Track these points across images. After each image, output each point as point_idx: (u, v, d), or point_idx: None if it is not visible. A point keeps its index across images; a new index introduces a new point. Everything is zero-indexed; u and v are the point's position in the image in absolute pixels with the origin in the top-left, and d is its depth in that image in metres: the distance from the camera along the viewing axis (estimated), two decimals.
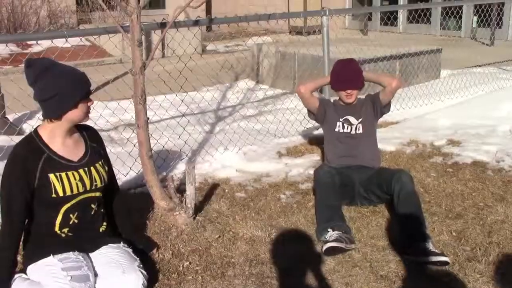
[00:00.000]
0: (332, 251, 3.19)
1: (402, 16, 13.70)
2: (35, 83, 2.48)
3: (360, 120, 4.06)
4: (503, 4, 11.33)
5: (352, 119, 4.06)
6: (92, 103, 2.60)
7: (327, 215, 3.47)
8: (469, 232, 3.45)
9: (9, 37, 3.61)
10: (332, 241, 3.21)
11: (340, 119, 4.08)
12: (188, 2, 3.46)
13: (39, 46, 9.18)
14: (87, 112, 2.59)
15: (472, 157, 4.76)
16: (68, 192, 2.54)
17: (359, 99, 4.15)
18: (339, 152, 4.06)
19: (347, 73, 4.01)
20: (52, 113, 2.50)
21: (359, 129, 4.05)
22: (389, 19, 11.38)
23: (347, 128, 4.06)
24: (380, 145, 5.10)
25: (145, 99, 3.34)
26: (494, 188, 4.15)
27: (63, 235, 2.61)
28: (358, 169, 3.91)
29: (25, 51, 9.47)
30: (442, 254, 3.09)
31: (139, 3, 3.26)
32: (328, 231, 3.32)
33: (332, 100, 4.37)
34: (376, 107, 4.12)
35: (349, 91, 3.99)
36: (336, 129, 4.09)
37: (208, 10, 15.34)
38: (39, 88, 2.47)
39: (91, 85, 2.58)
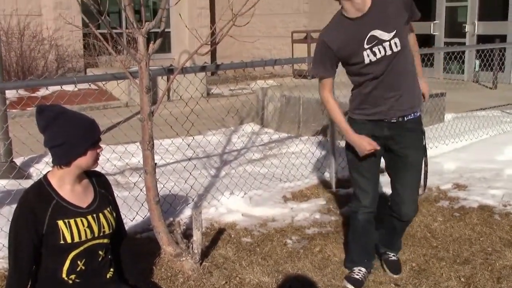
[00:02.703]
0: (355, 284, 3.41)
1: None
2: (45, 130, 2.51)
3: (393, 30, 3.01)
4: (504, 48, 11.46)
5: (378, 32, 3.02)
6: (102, 150, 2.63)
7: (362, 251, 3.54)
8: (477, 278, 3.42)
9: (19, 84, 3.68)
10: (359, 280, 3.43)
11: (364, 43, 3.02)
12: (196, 50, 3.53)
13: (47, 90, 9.30)
14: (96, 158, 2.62)
15: (479, 201, 4.76)
16: (77, 239, 2.54)
17: (373, 3, 3.05)
18: (369, 96, 3.18)
19: None
20: (61, 160, 2.53)
21: (397, 45, 3.03)
22: None
23: (380, 51, 3.03)
24: (385, 189, 5.12)
25: (153, 144, 3.38)
26: (502, 233, 4.14)
27: (70, 281, 2.59)
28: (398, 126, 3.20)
29: (33, 95, 9.58)
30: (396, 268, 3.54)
31: (148, 51, 3.33)
32: (361, 270, 3.49)
33: (335, 22, 3.22)
34: (408, 13, 3.10)
35: None
36: (366, 61, 3.06)
37: (213, 54, 15.54)
38: (49, 135, 2.50)
39: (100, 133, 2.61)
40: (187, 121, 5.30)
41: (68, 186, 2.59)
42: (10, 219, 2.53)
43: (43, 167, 5.36)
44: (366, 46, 3.01)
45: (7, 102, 5.71)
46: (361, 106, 3.25)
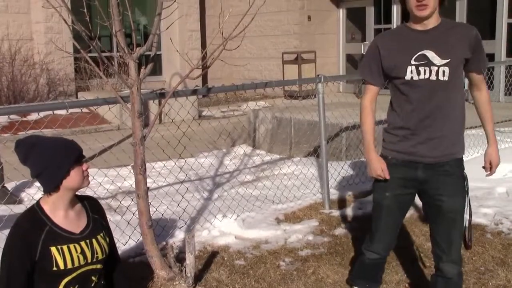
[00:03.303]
0: None
1: None
2: (26, 162, 2.54)
3: (448, 59, 2.78)
4: (493, 68, 11.60)
5: (431, 53, 2.79)
6: (87, 167, 2.64)
7: (370, 272, 3.29)
8: None
9: (11, 109, 3.69)
10: None
11: (412, 59, 2.81)
12: (187, 74, 3.56)
13: (39, 115, 9.31)
14: (84, 177, 2.62)
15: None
16: (69, 265, 2.55)
17: (446, 21, 2.87)
18: (405, 129, 2.91)
19: None
20: (49, 186, 2.55)
21: (444, 75, 2.80)
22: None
23: (426, 73, 2.80)
24: None
25: (145, 169, 3.39)
26: (495, 252, 4.16)
27: None
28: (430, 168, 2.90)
29: (24, 119, 9.58)
30: None
31: (139, 76, 3.36)
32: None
33: (394, 29, 3.10)
34: (471, 55, 2.83)
35: None
36: (407, 77, 2.84)
37: (204, 76, 15.62)
38: (30, 166, 2.54)
39: (79, 150, 2.61)
40: (179, 144, 5.32)
41: (61, 212, 2.60)
42: (2, 245, 2.53)
43: (35, 192, 5.35)
44: (413, 62, 2.81)
45: None
46: (395, 134, 2.99)
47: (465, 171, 2.97)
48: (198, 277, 3.75)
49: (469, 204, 3.03)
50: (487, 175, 3.04)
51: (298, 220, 5.00)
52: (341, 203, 5.45)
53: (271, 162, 7.35)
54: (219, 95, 14.24)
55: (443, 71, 2.76)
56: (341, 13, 15.68)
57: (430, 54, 2.77)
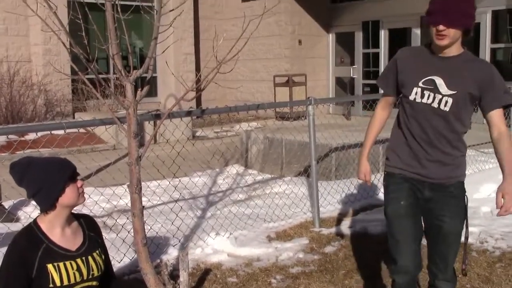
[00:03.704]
0: None
1: None
2: (22, 183, 2.54)
3: (454, 90, 2.72)
4: None
5: (439, 81, 2.74)
6: (82, 184, 2.63)
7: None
8: None
9: (10, 129, 3.67)
10: None
11: (420, 81, 2.77)
12: (182, 97, 3.57)
13: (36, 135, 9.27)
14: (79, 194, 2.61)
15: None
16: (66, 282, 2.53)
17: (466, 54, 2.77)
18: (409, 147, 2.88)
19: (442, 0, 2.64)
20: (45, 205, 2.54)
21: (446, 105, 2.75)
22: (371, 105, 11.71)
23: (429, 98, 2.77)
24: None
25: (141, 188, 3.38)
26: (480, 269, 4.16)
27: None
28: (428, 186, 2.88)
29: (22, 139, 9.55)
30: None
31: (135, 98, 3.36)
32: None
33: (417, 47, 3.00)
34: (480, 95, 2.74)
35: (440, 28, 2.62)
36: (411, 97, 2.81)
37: (198, 97, 15.66)
38: (26, 187, 2.54)
39: (73, 168, 2.60)
40: (173, 163, 5.32)
41: (58, 230, 2.59)
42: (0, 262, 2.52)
43: (32, 211, 5.32)
44: (420, 84, 2.77)
45: None
46: (399, 152, 2.93)
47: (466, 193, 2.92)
48: None
49: (467, 226, 2.97)
50: (498, 214, 2.68)
51: (289, 238, 5.00)
52: (331, 222, 5.45)
53: (263, 181, 7.35)
54: (213, 116, 14.27)
55: (446, 101, 2.72)
56: (331, 37, 15.81)
57: (439, 81, 2.72)
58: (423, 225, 2.99)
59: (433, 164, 2.81)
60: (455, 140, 2.80)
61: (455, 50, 2.73)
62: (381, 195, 6.35)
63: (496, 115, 2.76)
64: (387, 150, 3.03)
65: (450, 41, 2.65)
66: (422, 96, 2.76)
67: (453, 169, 2.82)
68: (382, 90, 3.06)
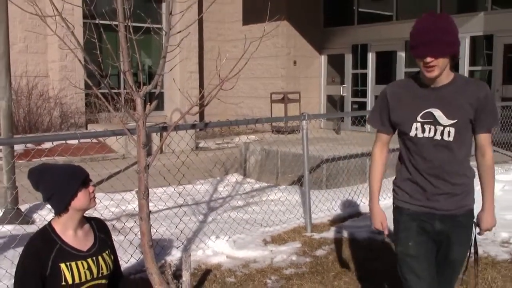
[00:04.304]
0: None
1: None
2: (38, 188, 2.53)
3: (455, 119, 2.48)
4: None
5: (438, 113, 2.50)
6: (93, 189, 2.62)
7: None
8: None
9: (28, 139, 3.67)
10: None
11: (418, 115, 2.52)
12: (187, 111, 3.56)
13: (52, 144, 9.26)
14: (90, 198, 2.60)
15: None
16: (77, 280, 2.51)
17: (457, 79, 2.52)
18: (416, 183, 2.60)
19: (426, 31, 2.38)
20: (59, 208, 2.53)
21: (449, 135, 2.50)
22: (360, 121, 11.70)
23: (430, 131, 2.52)
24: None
25: (148, 194, 3.37)
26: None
27: None
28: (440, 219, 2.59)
29: (38, 147, 9.52)
30: None
31: (145, 111, 3.36)
32: None
33: (404, 80, 2.67)
34: (476, 115, 2.50)
35: (428, 60, 2.37)
36: (411, 133, 2.56)
37: (202, 112, 15.66)
38: (42, 191, 2.53)
39: (85, 174, 2.59)
40: (178, 172, 5.30)
41: (70, 232, 2.57)
42: (15, 262, 2.49)
43: (46, 214, 5.30)
44: (419, 119, 2.51)
45: (15, 154, 5.68)
46: (405, 187, 2.65)
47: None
48: None
49: (476, 251, 2.73)
50: (478, 233, 2.67)
51: (283, 242, 4.97)
52: (322, 227, 5.43)
53: (260, 189, 7.34)
54: (215, 129, 14.26)
55: (449, 132, 2.47)
56: (323, 59, 15.86)
57: (437, 113, 2.48)
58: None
59: (442, 196, 2.55)
60: (461, 167, 2.55)
61: (445, 78, 2.49)
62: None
63: (484, 137, 2.55)
64: (393, 185, 2.74)
65: (440, 71, 2.41)
66: (423, 131, 2.51)
67: (462, 198, 2.57)
68: (378, 128, 2.72)
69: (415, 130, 2.52)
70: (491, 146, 2.60)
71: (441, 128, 2.47)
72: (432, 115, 2.48)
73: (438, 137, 2.48)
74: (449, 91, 2.48)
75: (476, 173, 2.62)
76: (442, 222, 2.57)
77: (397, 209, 2.70)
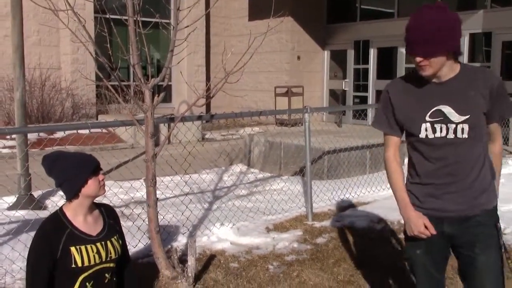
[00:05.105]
0: None
1: (371, 112, 14.06)
2: (51, 174, 2.55)
3: (467, 115, 2.18)
4: None
5: (448, 109, 2.20)
6: (103, 178, 2.63)
7: None
8: None
9: (41, 128, 3.70)
10: None
11: (427, 115, 2.23)
12: (194, 102, 3.58)
13: (64, 133, 9.29)
14: (100, 186, 2.61)
15: None
16: (86, 263, 2.53)
17: (464, 70, 2.23)
18: (426, 186, 2.31)
19: (417, 28, 2.13)
20: (70, 194, 2.55)
21: (463, 132, 2.20)
22: (360, 115, 11.68)
23: (442, 131, 2.22)
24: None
25: (155, 182, 3.39)
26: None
27: None
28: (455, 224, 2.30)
29: (51, 137, 9.56)
30: None
31: (153, 102, 3.37)
32: None
33: (405, 76, 2.37)
34: (489, 106, 2.21)
35: (418, 60, 2.15)
36: (421, 135, 2.26)
37: (208, 104, 15.65)
38: (54, 177, 2.55)
39: (96, 163, 2.60)
40: (185, 161, 5.32)
41: (81, 217, 2.59)
42: (28, 245, 2.52)
43: (58, 200, 5.33)
44: (427, 119, 2.21)
45: (28, 142, 5.72)
46: (414, 190, 2.38)
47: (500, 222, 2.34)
48: (197, 277, 3.72)
49: (504, 261, 2.33)
50: None
51: (285, 230, 4.99)
52: (322, 216, 5.44)
53: (263, 179, 7.35)
54: (220, 121, 14.27)
55: (462, 129, 2.18)
56: (326, 54, 15.81)
57: (447, 110, 2.18)
58: (458, 265, 2.44)
59: (450, 197, 2.26)
60: (477, 164, 2.25)
61: (449, 71, 2.20)
62: (367, 193, 6.35)
63: (496, 125, 2.32)
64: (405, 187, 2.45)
65: (434, 70, 2.15)
66: (434, 131, 2.21)
67: (474, 197, 2.25)
68: (387, 132, 2.40)
69: (425, 131, 2.22)
70: (501, 135, 2.39)
71: (453, 126, 2.18)
72: (441, 112, 2.19)
73: (451, 135, 2.19)
74: (457, 85, 2.20)
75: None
76: (451, 226, 2.29)
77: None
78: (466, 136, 2.18)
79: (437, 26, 2.08)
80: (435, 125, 2.20)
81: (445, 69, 2.19)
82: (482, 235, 2.26)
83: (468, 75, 2.21)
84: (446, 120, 2.19)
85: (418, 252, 2.39)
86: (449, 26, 2.11)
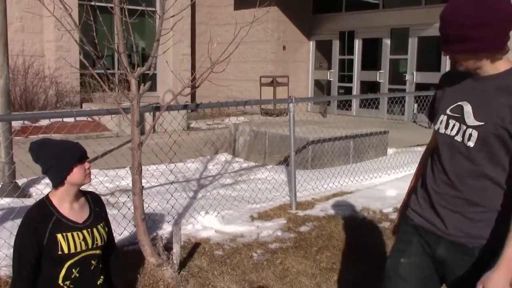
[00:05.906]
0: None
1: (355, 102, 14.16)
2: (38, 161, 2.56)
3: (481, 121, 1.85)
4: None
5: (467, 107, 1.90)
6: (89, 166, 2.64)
7: None
8: None
9: (26, 116, 3.68)
10: None
11: (449, 108, 1.97)
12: (179, 92, 3.60)
13: (48, 121, 9.22)
14: (85, 174, 2.63)
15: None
16: (72, 250, 2.55)
17: (507, 73, 1.84)
18: (429, 185, 2.01)
19: (446, 20, 1.81)
20: (56, 181, 2.56)
21: (470, 139, 1.87)
22: (344, 105, 11.78)
23: (453, 128, 1.94)
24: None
25: (141, 170, 3.41)
26: None
27: (65, 287, 2.59)
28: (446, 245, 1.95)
29: (35, 124, 9.49)
30: None
31: (139, 91, 3.38)
32: None
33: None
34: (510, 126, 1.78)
35: (444, 54, 1.90)
36: (436, 126, 2.01)
37: (193, 94, 15.62)
38: (40, 164, 2.56)
39: (82, 151, 2.61)
40: (170, 150, 5.33)
41: (67, 204, 2.61)
42: (13, 233, 2.53)
43: (43, 188, 5.31)
44: (447, 112, 1.97)
45: (12, 130, 5.68)
46: (417, 192, 2.11)
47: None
48: (182, 264, 3.76)
49: None
50: None
51: (269, 218, 5.04)
52: (306, 205, 5.50)
53: (248, 168, 7.39)
54: (206, 110, 14.26)
55: (470, 134, 1.86)
56: (311, 44, 15.85)
57: (467, 108, 1.90)
58: None
59: (447, 215, 1.94)
60: (485, 189, 1.86)
61: (490, 68, 1.85)
62: (350, 183, 6.43)
63: None
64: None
65: (467, 66, 1.85)
66: (447, 126, 1.95)
67: (477, 225, 1.87)
68: (428, 116, 2.20)
69: (439, 123, 1.99)
70: None
71: (464, 128, 1.89)
72: (461, 109, 1.92)
73: (459, 138, 1.91)
74: (491, 85, 1.85)
75: None
76: (447, 249, 1.93)
77: (404, 216, 2.19)
78: (472, 145, 1.86)
79: (463, 21, 1.75)
80: (450, 120, 1.95)
81: (487, 66, 1.85)
82: (476, 275, 1.79)
83: (505, 79, 1.84)
84: (461, 119, 1.91)
85: (402, 260, 2.09)
86: (481, 22, 1.74)
